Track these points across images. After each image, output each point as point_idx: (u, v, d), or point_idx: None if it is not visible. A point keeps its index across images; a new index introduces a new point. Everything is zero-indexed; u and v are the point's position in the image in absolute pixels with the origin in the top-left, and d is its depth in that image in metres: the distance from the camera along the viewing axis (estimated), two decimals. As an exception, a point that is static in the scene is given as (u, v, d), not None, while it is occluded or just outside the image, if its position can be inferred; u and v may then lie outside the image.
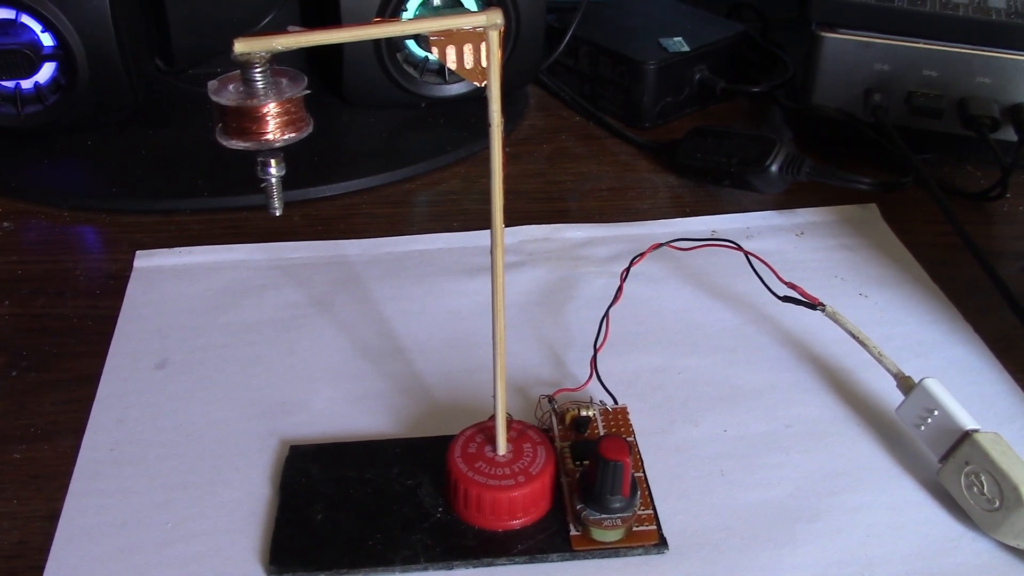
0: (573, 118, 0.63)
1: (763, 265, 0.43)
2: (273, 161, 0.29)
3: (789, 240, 0.51)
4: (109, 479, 0.37)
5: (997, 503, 0.35)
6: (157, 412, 0.40)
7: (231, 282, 0.48)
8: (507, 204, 0.55)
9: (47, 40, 0.53)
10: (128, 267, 0.48)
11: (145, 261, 0.49)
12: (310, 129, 0.29)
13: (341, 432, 0.40)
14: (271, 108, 0.27)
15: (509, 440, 0.36)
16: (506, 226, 0.52)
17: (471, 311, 0.46)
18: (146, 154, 0.56)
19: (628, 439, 0.38)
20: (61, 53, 0.53)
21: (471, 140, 0.58)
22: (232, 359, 0.43)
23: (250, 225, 0.52)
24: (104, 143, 0.57)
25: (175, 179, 0.54)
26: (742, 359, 0.44)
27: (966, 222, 0.50)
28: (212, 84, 0.28)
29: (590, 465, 0.34)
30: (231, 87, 0.28)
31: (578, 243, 0.51)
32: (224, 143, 0.28)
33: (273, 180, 0.29)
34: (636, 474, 0.36)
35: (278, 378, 0.42)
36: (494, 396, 0.35)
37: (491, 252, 0.33)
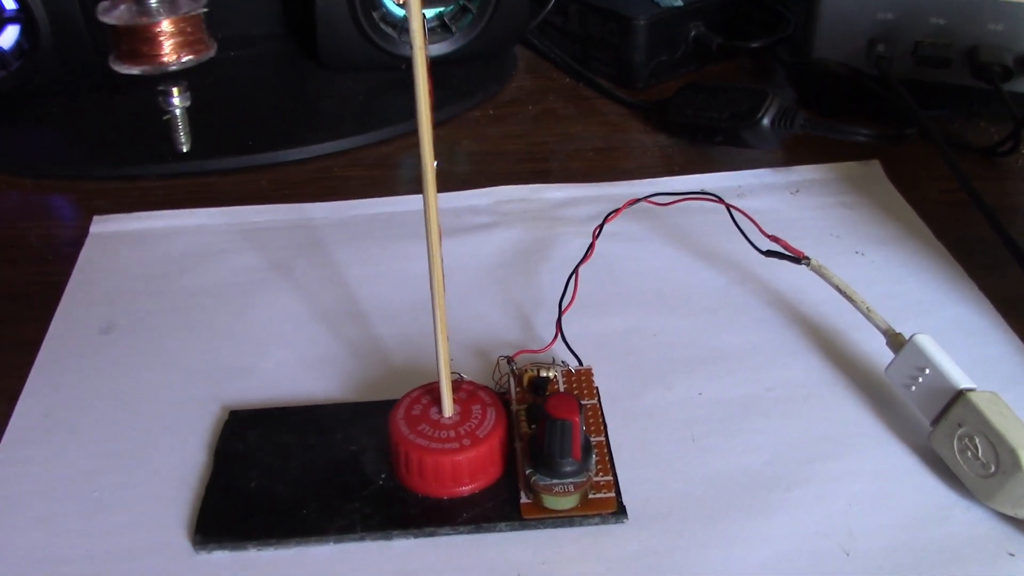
0: (563, 80, 0.60)
1: (748, 220, 0.40)
2: (176, 90, 0.26)
3: (783, 198, 0.48)
4: (38, 446, 0.35)
5: (992, 468, 0.31)
6: (97, 378, 0.38)
7: (189, 247, 0.46)
8: (486, 165, 0.53)
9: (9, 3, 0.51)
10: (85, 233, 0.46)
11: (101, 226, 0.47)
12: (211, 53, 0.26)
13: (289, 398, 0.37)
14: (165, 26, 0.25)
15: (457, 402, 0.33)
16: (482, 187, 0.50)
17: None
18: (113, 120, 0.54)
19: (590, 401, 0.35)
20: (23, 16, 0.51)
21: (452, 102, 0.55)
22: (182, 324, 0.41)
23: (216, 190, 0.50)
24: (71, 109, 0.55)
25: (140, 144, 0.52)
26: (724, 320, 0.40)
27: (975, 178, 0.47)
28: (103, 4, 0.25)
29: (539, 426, 0.31)
30: (123, 7, 0.25)
31: (557, 203, 0.48)
32: (117, 69, 0.25)
33: (177, 112, 0.27)
34: (597, 438, 0.34)
35: (228, 343, 0.40)
36: (436, 353, 0.32)
37: (423, 192, 0.30)
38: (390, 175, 0.51)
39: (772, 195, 0.48)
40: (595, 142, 0.54)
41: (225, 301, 0.42)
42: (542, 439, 0.31)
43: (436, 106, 0.55)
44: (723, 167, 0.51)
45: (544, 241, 0.45)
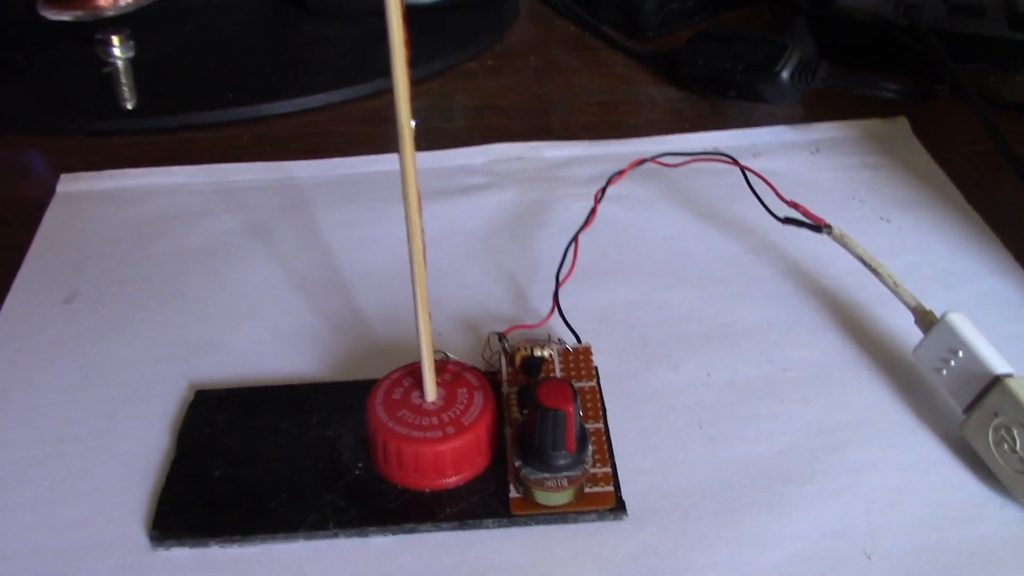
0: (567, 28, 0.57)
1: (764, 184, 0.36)
2: (116, 39, 0.23)
3: (802, 158, 0.45)
4: (-11, 429, 0.32)
5: (1031, 463, 0.28)
6: (57, 353, 0.35)
7: (164, 208, 0.42)
8: (481, 121, 0.49)
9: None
10: (52, 193, 0.43)
11: (69, 185, 0.44)
12: (152, -4, 0.23)
13: (262, 375, 0.34)
14: (95, -35, 0.21)
15: (441, 384, 0.30)
16: (476, 144, 0.46)
17: (428, 239, 0.40)
18: (84, 72, 0.50)
19: (587, 384, 0.32)
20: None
21: (447, 52, 0.52)
22: (151, 293, 0.38)
23: (194, 147, 0.47)
24: (40, 61, 0.51)
25: (114, 97, 0.48)
26: (736, 292, 0.37)
27: (1012, 137, 0.43)
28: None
29: (529, 414, 0.28)
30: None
31: (556, 163, 0.45)
32: (45, 14, 0.22)
33: (119, 63, 0.23)
34: (595, 425, 0.31)
35: (200, 314, 0.37)
36: (417, 333, 0.29)
37: (399, 152, 0.27)
38: (381, 131, 0.48)
39: (790, 155, 0.45)
40: (600, 96, 0.50)
41: (199, 268, 0.39)
42: (532, 430, 0.28)
43: (429, 57, 0.52)
44: (737, 124, 0.47)
45: (542, 204, 0.42)
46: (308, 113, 0.49)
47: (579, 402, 0.27)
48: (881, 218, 0.41)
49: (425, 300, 0.28)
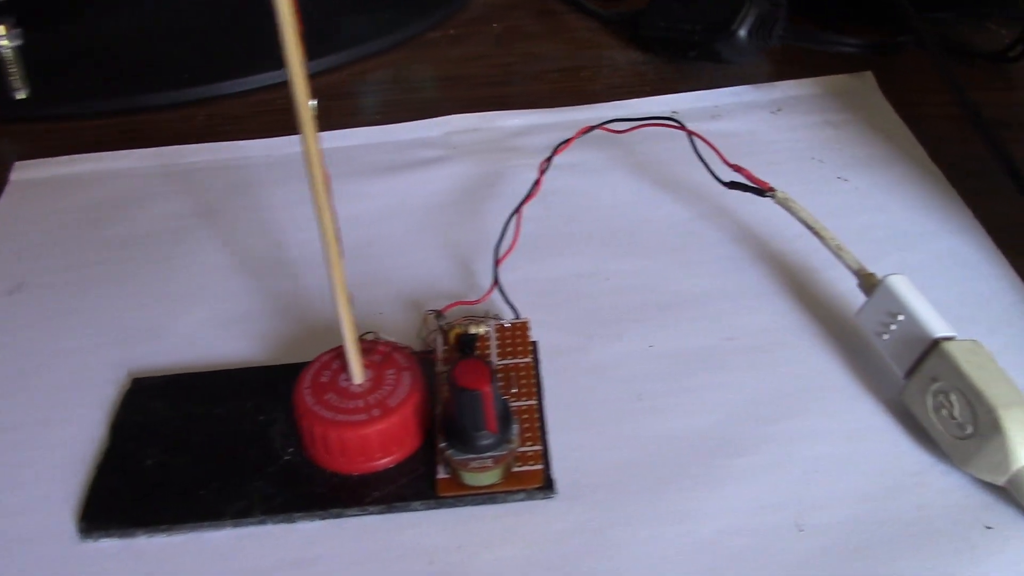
0: (532, -8, 0.56)
1: (716, 148, 0.36)
2: (1, 28, 0.23)
3: (763, 118, 0.44)
4: (-73, 424, 0.32)
5: (969, 429, 0.28)
6: (-2, 344, 0.35)
7: (115, 192, 0.42)
8: (440, 92, 0.49)
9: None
10: (5, 181, 0.43)
11: (23, 173, 0.43)
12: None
13: (204, 360, 0.34)
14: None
15: (370, 366, 0.30)
16: (432, 117, 0.46)
17: (374, 215, 0.40)
18: (37, 55, 0.50)
19: (523, 360, 0.31)
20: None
21: (407, 22, 0.51)
22: (97, 280, 0.38)
23: (150, 129, 0.46)
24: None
25: (68, 81, 0.48)
26: (686, 260, 0.37)
27: (982, 88, 0.42)
28: None
29: (447, 396, 0.28)
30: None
31: (512, 132, 0.44)
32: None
33: (5, 52, 0.23)
34: (528, 402, 0.30)
35: (144, 300, 0.37)
36: (336, 312, 0.28)
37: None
38: (339, 106, 0.47)
39: (751, 115, 0.44)
40: (562, 62, 0.49)
41: (146, 253, 0.39)
42: (452, 411, 0.27)
43: (390, 28, 0.51)
44: (701, 85, 0.46)
45: (495, 176, 0.41)
46: (263, 91, 0.48)
47: (496, 380, 0.27)
48: (839, 178, 0.40)
49: (343, 281, 0.28)
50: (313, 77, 0.50)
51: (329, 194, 0.27)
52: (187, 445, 0.30)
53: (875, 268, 0.32)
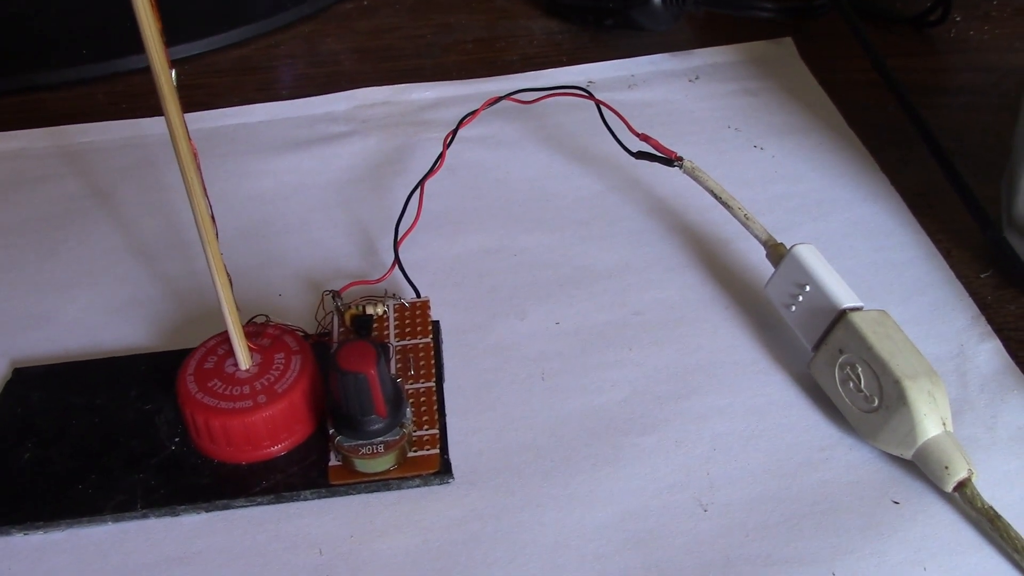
0: (450, -38, 0.54)
1: (625, 118, 0.34)
2: None
3: (680, 87, 0.43)
4: None
5: (876, 402, 0.27)
6: None
7: (5, 175, 0.40)
8: (350, 65, 0.47)
9: None
10: None
11: (-93, 156, 0.41)
12: None
13: (91, 348, 0.32)
14: None
15: (258, 350, 0.28)
16: (343, 90, 0.44)
17: (276, 193, 0.38)
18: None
19: (423, 340, 0.30)
20: None
21: (318, -7, 0.49)
22: (-19, 266, 0.36)
23: (46, 108, 0.44)
24: None
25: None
26: (596, 234, 0.35)
27: (902, 53, 0.41)
28: None
29: (332, 380, 0.26)
30: None
31: (423, 105, 0.42)
32: None
33: None
34: (426, 384, 0.29)
35: (30, 286, 0.35)
36: (217, 295, 0.27)
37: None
38: (244, 81, 0.45)
39: (668, 84, 0.43)
40: (477, 32, 0.48)
41: (35, 238, 0.37)
42: (337, 396, 0.26)
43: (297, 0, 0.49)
44: (618, 54, 0.45)
45: (404, 151, 0.40)
46: (167, 66, 0.46)
47: (384, 361, 0.26)
48: (755, 146, 0.39)
49: (220, 262, 0.26)
50: (222, 51, 0.49)
51: (198, 171, 0.25)
52: (66, 437, 0.29)
53: (788, 238, 0.31)
